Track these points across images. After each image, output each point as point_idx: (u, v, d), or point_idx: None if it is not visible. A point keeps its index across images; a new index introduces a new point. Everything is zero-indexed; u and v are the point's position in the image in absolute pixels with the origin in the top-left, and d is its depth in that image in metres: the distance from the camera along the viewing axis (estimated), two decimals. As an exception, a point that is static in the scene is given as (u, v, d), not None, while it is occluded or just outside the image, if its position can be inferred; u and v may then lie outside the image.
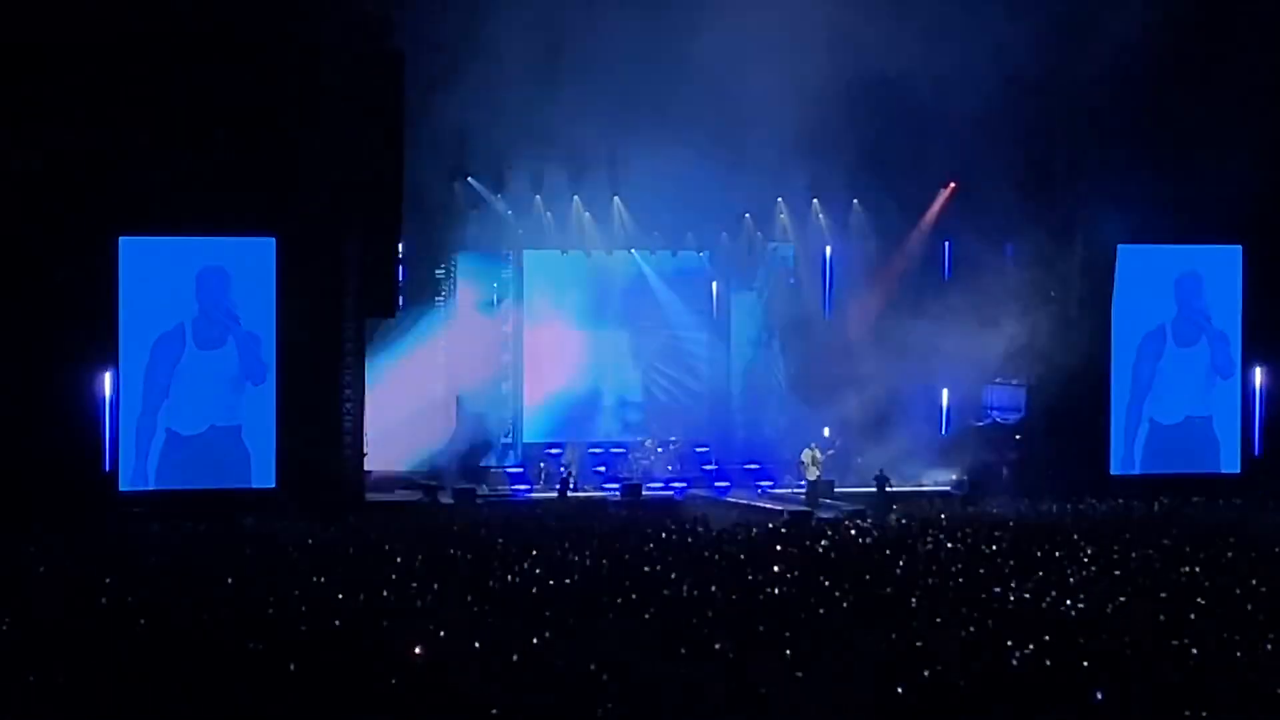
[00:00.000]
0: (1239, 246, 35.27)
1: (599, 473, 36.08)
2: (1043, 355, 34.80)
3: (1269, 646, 16.26)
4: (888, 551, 23.67)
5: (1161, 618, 17.98)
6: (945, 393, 37.46)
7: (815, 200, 36.83)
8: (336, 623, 17.72)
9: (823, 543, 24.78)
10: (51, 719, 13.88)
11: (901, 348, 36.85)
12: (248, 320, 31.75)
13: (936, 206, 36.76)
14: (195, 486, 31.31)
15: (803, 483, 33.02)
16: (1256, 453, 35.36)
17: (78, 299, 30.82)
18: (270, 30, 30.72)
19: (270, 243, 31.78)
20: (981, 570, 21.66)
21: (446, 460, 35.19)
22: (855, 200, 36.67)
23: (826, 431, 34.40)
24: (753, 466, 36.40)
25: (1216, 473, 34.94)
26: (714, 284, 38.26)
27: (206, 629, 17.31)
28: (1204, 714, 13.79)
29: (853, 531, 26.75)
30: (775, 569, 21.74)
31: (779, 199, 36.89)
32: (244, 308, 31.83)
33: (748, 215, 37.11)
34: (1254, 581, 20.55)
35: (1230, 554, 23.41)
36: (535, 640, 16.53)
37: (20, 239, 30.30)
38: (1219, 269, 35.35)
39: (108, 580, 20.53)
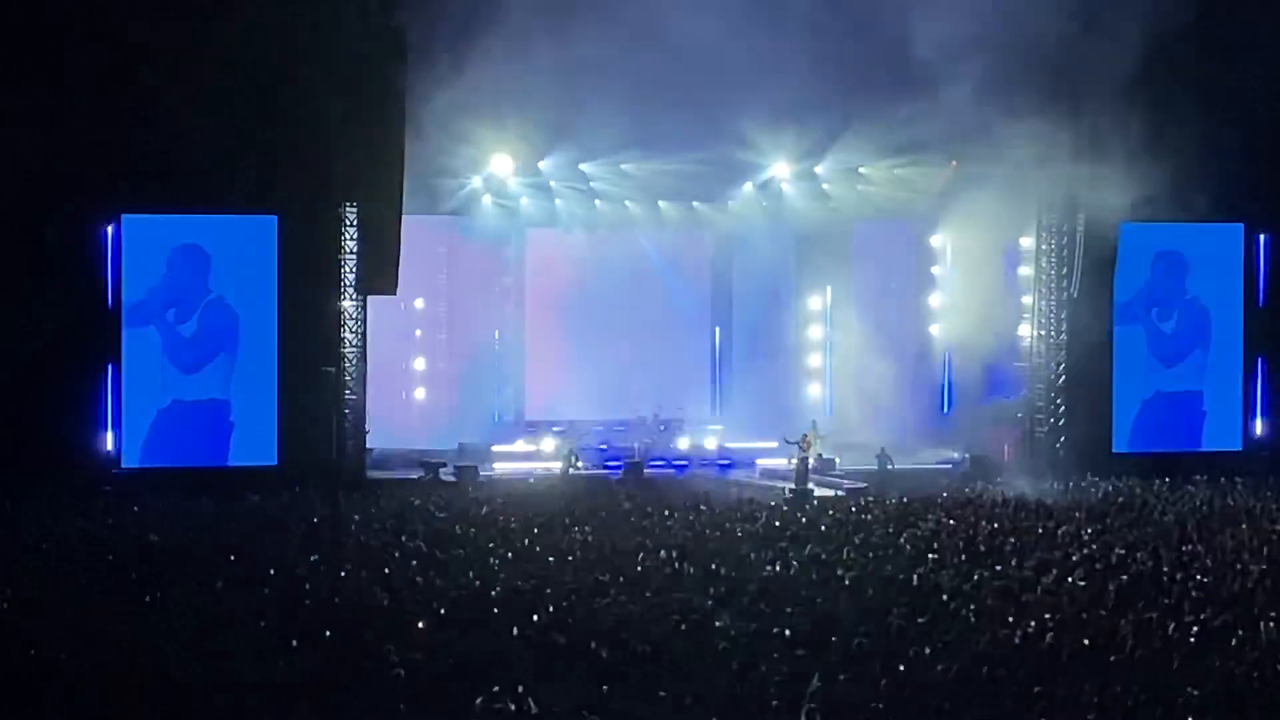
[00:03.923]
0: (1240, 225, 35.27)
1: (601, 450, 36.15)
2: (1045, 334, 34.80)
3: (1270, 624, 16.28)
4: (889, 529, 23.68)
5: (1162, 597, 18.00)
6: (948, 371, 37.50)
7: (818, 171, 36.79)
8: (337, 600, 17.75)
9: (824, 521, 24.79)
10: (52, 696, 13.90)
11: (904, 325, 36.89)
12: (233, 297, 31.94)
13: (940, 183, 36.72)
14: (195, 464, 31.45)
15: (796, 460, 32.91)
16: (1257, 431, 35.40)
17: (80, 276, 30.87)
18: (273, 8, 30.66)
19: (272, 220, 31.81)
20: (982, 549, 21.68)
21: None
22: (861, 168, 36.66)
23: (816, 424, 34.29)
24: (754, 445, 36.45)
25: (1217, 450, 34.96)
26: (715, 262, 38.36)
27: (208, 605, 17.34)
28: (1202, 693, 13.81)
29: (854, 509, 26.75)
30: (776, 547, 21.75)
31: (780, 170, 36.84)
32: (232, 284, 31.94)
33: (749, 185, 37.11)
34: (1254, 560, 20.58)
35: (1231, 532, 23.42)
36: (536, 618, 16.55)
37: (22, 218, 30.31)
38: (1216, 247, 35.36)
39: (109, 558, 20.57)
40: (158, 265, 31.69)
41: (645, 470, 34.06)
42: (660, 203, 37.02)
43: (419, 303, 37.12)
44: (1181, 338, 35.40)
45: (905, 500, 27.79)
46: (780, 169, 36.51)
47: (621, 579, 19.25)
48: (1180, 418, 35.32)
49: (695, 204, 37.30)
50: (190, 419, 31.76)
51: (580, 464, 34.69)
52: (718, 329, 38.70)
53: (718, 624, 16.39)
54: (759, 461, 35.60)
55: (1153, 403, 35.26)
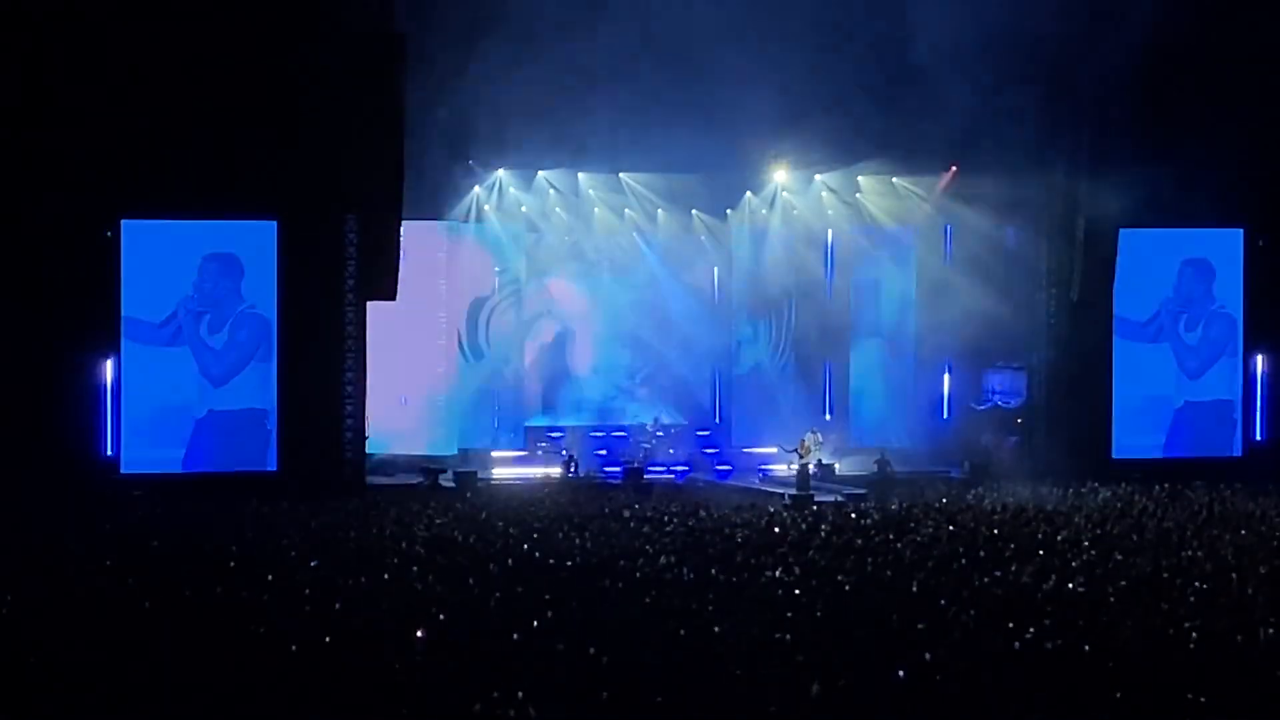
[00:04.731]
0: (1240, 230, 35.28)
1: (600, 456, 36.15)
2: (1044, 339, 34.81)
3: (1270, 631, 16.26)
4: (889, 535, 23.67)
5: (1162, 602, 17.98)
6: (947, 376, 37.50)
7: (817, 178, 36.87)
8: (337, 606, 17.72)
9: (823, 527, 24.78)
10: (51, 702, 13.89)
11: (904, 330, 36.87)
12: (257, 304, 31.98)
13: (939, 188, 36.76)
14: (202, 470, 31.51)
15: (795, 466, 32.87)
16: (1258, 437, 35.42)
17: (79, 281, 30.89)
18: (272, 13, 30.69)
19: (272, 226, 31.82)
20: (982, 554, 21.66)
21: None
22: (860, 177, 36.73)
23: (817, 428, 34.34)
24: (755, 450, 36.48)
25: (1216, 457, 34.95)
26: (715, 266, 38.35)
27: (207, 612, 17.32)
28: (1204, 699, 13.79)
29: (853, 515, 26.74)
30: (776, 553, 21.74)
31: (780, 178, 36.93)
32: (250, 292, 31.98)
33: (749, 193, 37.20)
34: (1254, 566, 20.57)
35: (1230, 538, 23.42)
36: (536, 624, 16.53)
37: (22, 221, 30.32)
38: (1223, 254, 35.38)
39: (109, 563, 20.55)
40: (163, 269, 31.74)
41: (645, 476, 34.04)
42: (659, 211, 37.10)
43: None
44: (1207, 346, 35.40)
45: (905, 506, 27.78)
46: (780, 177, 36.62)
47: (621, 584, 19.24)
48: (1211, 426, 35.33)
49: (695, 212, 37.37)
50: (196, 424, 31.81)
51: (579, 470, 34.71)
52: (717, 335, 38.66)
53: (717, 630, 16.37)
54: (766, 467, 35.65)
55: (1184, 412, 35.29)
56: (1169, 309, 35.27)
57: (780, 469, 34.46)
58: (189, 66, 30.20)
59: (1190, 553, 21.83)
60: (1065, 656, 15.29)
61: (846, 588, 19.09)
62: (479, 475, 33.59)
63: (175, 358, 31.71)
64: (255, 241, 31.91)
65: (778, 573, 20.16)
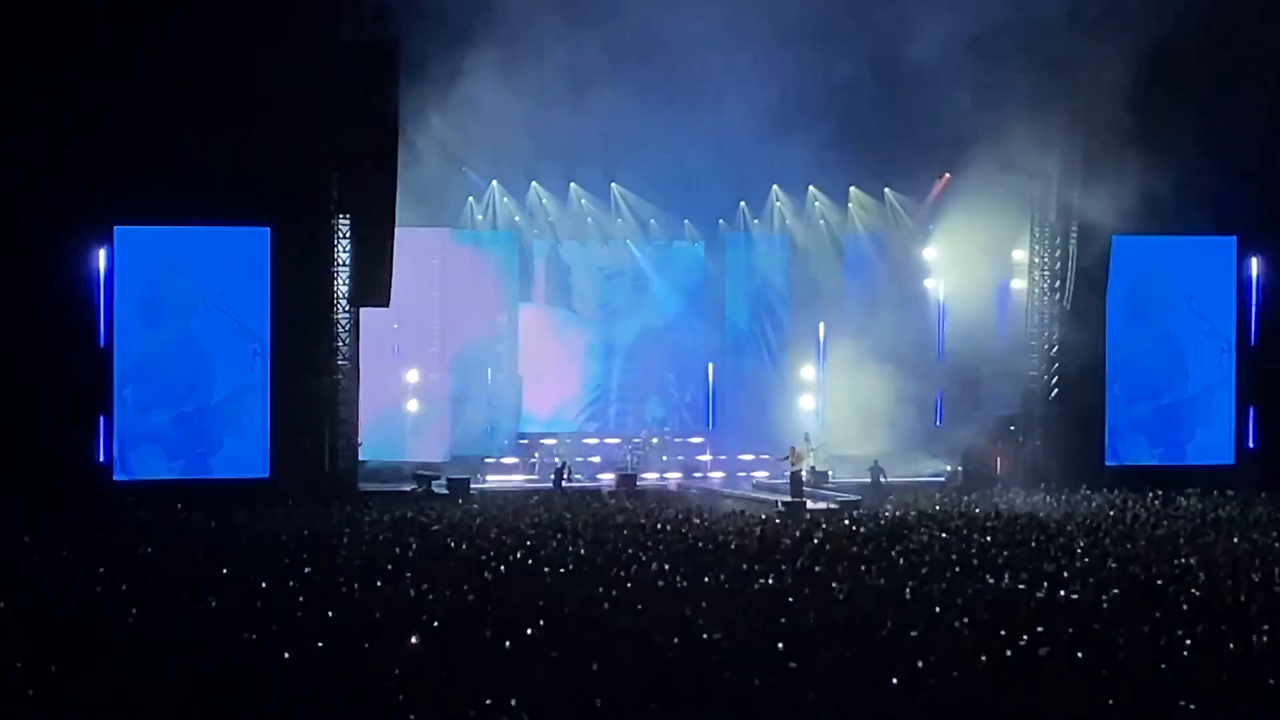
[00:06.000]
0: (1234, 237, 35.30)
1: (593, 463, 36.14)
2: (1038, 346, 34.81)
3: (1262, 638, 16.28)
4: (882, 542, 23.67)
5: (1155, 609, 17.99)
6: (941, 383, 37.51)
7: (811, 188, 36.94)
8: (330, 613, 17.71)
9: (816, 534, 24.78)
10: (45, 708, 13.88)
11: (897, 336, 36.92)
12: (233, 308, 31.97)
13: (932, 196, 36.82)
14: (191, 476, 31.49)
15: (789, 472, 32.86)
16: (1250, 445, 35.42)
17: (73, 287, 30.88)
18: (267, 20, 30.69)
19: (265, 232, 31.82)
20: (975, 561, 21.67)
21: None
22: (851, 187, 36.80)
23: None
24: (746, 457, 36.49)
25: (1209, 464, 34.97)
26: (708, 274, 38.41)
27: (200, 619, 17.31)
28: (1196, 706, 13.81)
29: (847, 522, 26.75)
30: (769, 559, 21.74)
31: (774, 186, 37.05)
32: (227, 296, 31.96)
33: (742, 203, 37.26)
34: (1246, 572, 20.59)
35: (1223, 545, 23.44)
36: (530, 631, 16.52)
37: (17, 227, 30.32)
38: (1208, 260, 35.42)
39: (102, 570, 20.53)
40: (156, 277, 31.72)
41: (638, 483, 34.06)
42: (651, 220, 37.18)
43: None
44: (1180, 351, 35.43)
45: (898, 513, 27.78)
46: (774, 186, 36.74)
47: (614, 591, 19.23)
48: (1180, 430, 35.38)
49: (686, 222, 37.46)
50: (190, 431, 31.80)
51: (572, 477, 34.73)
52: (710, 342, 38.71)
53: (710, 637, 16.36)
54: (751, 474, 35.71)
55: (1155, 416, 35.32)
56: (1135, 314, 35.35)
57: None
58: (184, 74, 30.21)
59: (1183, 560, 21.85)
60: (1058, 663, 15.30)
61: (839, 594, 19.09)
62: (472, 482, 33.59)
63: (165, 361, 31.68)
64: (207, 245, 31.92)
65: (770, 579, 20.16)
